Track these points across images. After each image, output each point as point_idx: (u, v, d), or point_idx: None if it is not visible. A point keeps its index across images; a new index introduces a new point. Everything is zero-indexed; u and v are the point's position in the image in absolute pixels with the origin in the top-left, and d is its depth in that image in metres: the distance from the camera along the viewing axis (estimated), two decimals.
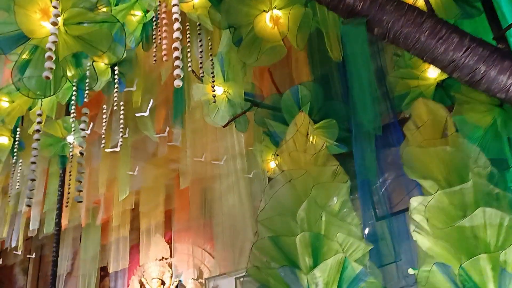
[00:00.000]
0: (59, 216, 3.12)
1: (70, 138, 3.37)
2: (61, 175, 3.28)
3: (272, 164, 3.13)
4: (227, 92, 2.64)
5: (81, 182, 1.80)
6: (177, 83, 1.23)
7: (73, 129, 3.18)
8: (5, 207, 5.03)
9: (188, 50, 2.91)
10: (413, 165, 1.68)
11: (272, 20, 1.76)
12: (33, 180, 1.55)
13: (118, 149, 3.74)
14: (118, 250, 6.06)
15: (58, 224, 3.10)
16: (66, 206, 3.22)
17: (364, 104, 1.70)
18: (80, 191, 1.84)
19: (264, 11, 1.77)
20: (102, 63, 3.13)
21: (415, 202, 1.62)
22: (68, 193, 3.15)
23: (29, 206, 2.69)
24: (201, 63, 2.63)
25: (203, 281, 5.50)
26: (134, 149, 4.55)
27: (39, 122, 1.53)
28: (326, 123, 2.30)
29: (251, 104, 2.62)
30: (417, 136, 1.70)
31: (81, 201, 2.21)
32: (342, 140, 2.34)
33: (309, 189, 1.69)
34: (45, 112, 3.42)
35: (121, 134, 2.95)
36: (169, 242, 6.34)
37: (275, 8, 1.76)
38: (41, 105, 3.46)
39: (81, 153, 2.09)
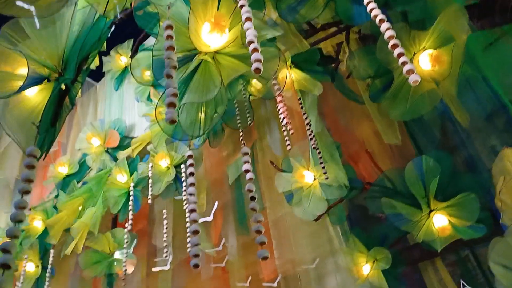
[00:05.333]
0: None
1: (117, 254, 2.87)
2: None
3: (365, 270, 2.64)
4: (320, 178, 2.31)
5: None
6: None
7: (125, 241, 2.71)
8: None
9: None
10: None
11: (432, 59, 1.53)
12: None
13: (167, 267, 3.22)
14: None
15: None
16: None
17: None
18: None
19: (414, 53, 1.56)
20: (163, 164, 2.82)
21: None
22: None
23: None
24: None
25: None
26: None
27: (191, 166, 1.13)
28: (463, 198, 1.92)
29: (349, 189, 2.27)
30: None
31: None
32: (479, 221, 1.96)
33: None
34: (87, 228, 2.98)
35: (189, 245, 2.49)
36: None
37: (424, 48, 1.55)
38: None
39: None
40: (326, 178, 2.05)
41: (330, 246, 2.44)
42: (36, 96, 1.08)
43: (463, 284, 2.07)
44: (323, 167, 2.04)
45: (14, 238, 0.68)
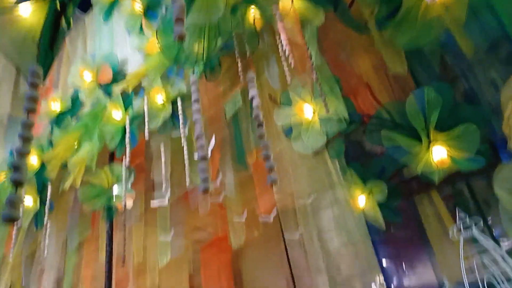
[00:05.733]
0: (109, 279, 2.54)
1: (115, 188, 2.89)
2: (108, 231, 2.75)
3: (361, 202, 2.69)
4: (319, 111, 2.29)
5: None
6: None
7: (123, 177, 2.72)
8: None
9: None
10: None
11: None
12: None
13: (166, 202, 3.26)
14: None
15: None
16: (123, 266, 2.66)
17: None
18: None
19: None
20: (159, 100, 2.77)
21: None
22: (124, 251, 2.61)
23: None
24: None
25: None
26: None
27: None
28: (463, 129, 1.93)
29: (349, 123, 2.26)
30: None
31: None
32: (478, 153, 1.97)
33: None
34: (84, 163, 2.97)
35: (188, 180, 2.51)
36: None
37: None
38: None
39: None
40: (327, 111, 2.02)
41: (328, 180, 2.46)
42: (31, 16, 1.01)
43: (458, 211, 2.12)
44: (324, 100, 2.01)
45: (24, 155, 0.66)
